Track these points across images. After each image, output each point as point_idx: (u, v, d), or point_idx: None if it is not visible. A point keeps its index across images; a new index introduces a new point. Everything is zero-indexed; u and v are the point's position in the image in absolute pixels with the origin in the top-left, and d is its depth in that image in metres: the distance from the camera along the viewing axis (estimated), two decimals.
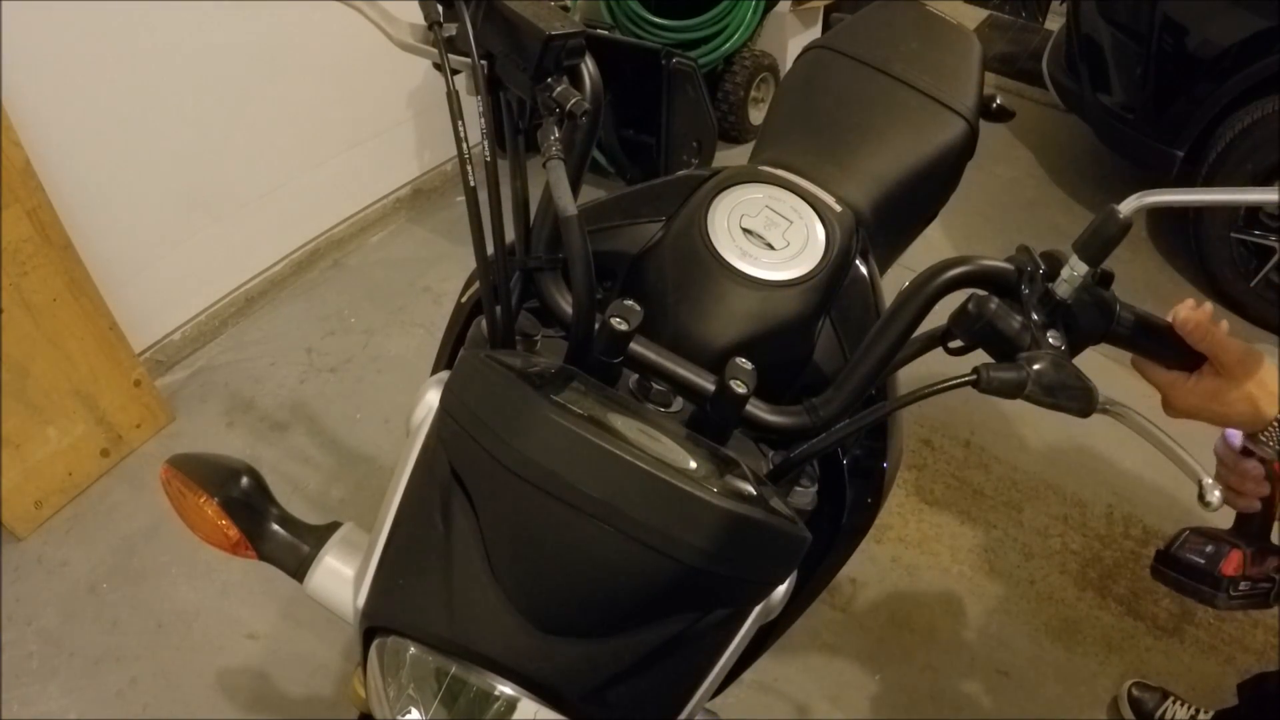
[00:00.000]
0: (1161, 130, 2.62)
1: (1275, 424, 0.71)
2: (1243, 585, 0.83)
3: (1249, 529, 0.84)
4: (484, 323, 0.75)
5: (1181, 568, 0.86)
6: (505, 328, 0.74)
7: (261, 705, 1.62)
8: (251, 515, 0.74)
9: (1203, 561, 0.84)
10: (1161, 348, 0.74)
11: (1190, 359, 0.74)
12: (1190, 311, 0.71)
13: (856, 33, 1.36)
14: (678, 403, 0.77)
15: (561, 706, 0.62)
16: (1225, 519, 0.84)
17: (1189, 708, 1.61)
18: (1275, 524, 0.84)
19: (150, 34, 1.90)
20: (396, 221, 2.80)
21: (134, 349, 2.01)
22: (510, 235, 0.77)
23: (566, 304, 0.77)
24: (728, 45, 2.97)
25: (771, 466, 0.75)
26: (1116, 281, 0.71)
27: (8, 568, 1.80)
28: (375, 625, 0.67)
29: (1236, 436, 0.78)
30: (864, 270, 0.94)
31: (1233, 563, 0.82)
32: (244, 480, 0.75)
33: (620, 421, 0.62)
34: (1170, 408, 0.77)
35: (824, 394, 0.75)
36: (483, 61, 0.74)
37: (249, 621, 1.73)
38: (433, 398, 0.72)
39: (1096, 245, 0.64)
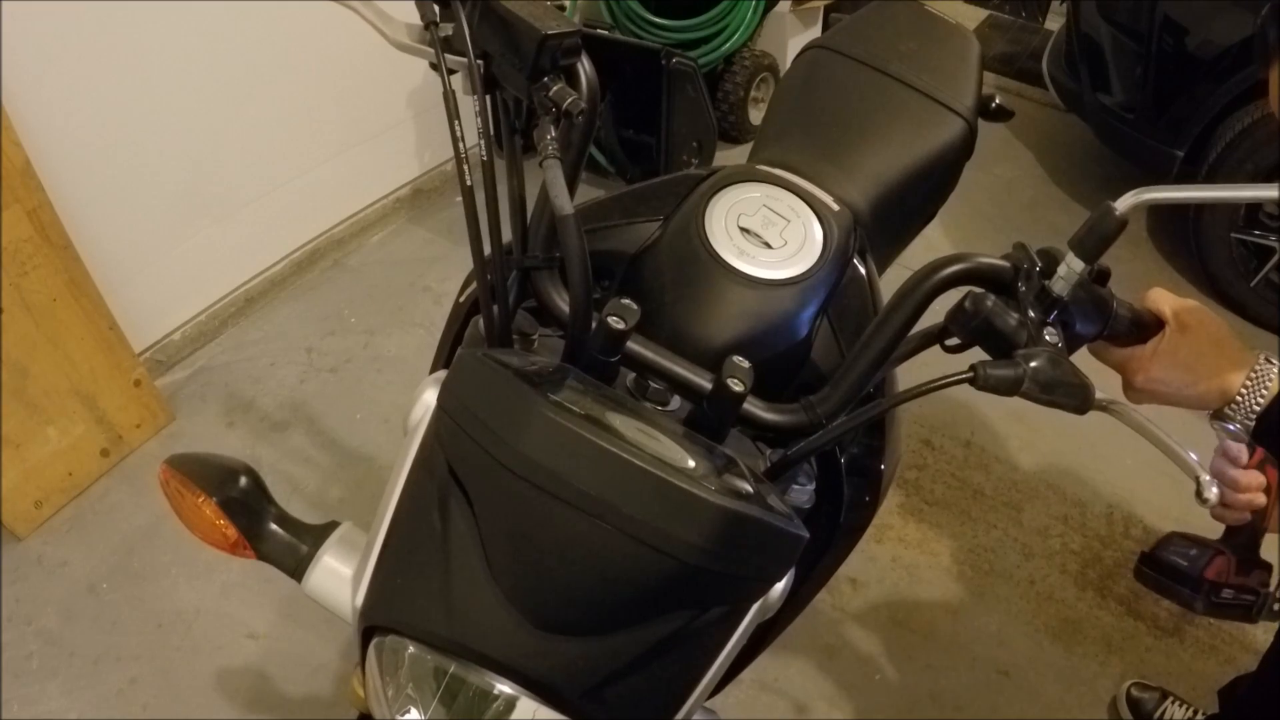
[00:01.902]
0: (1161, 130, 2.62)
1: (1239, 396, 0.70)
2: (1225, 593, 0.83)
3: (1237, 539, 0.84)
4: (481, 322, 0.75)
5: (1164, 569, 0.86)
6: (503, 327, 0.75)
7: (261, 705, 1.62)
8: (250, 515, 0.74)
9: (1185, 564, 0.84)
10: None
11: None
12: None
13: (855, 32, 1.36)
14: (675, 401, 0.77)
15: (560, 705, 0.62)
16: (1215, 530, 0.84)
17: (1188, 708, 1.61)
18: (1264, 539, 0.84)
19: (150, 34, 1.90)
20: (396, 221, 2.80)
21: (134, 349, 2.01)
22: (508, 235, 0.77)
23: (564, 303, 0.77)
24: (728, 45, 2.97)
25: (769, 464, 0.75)
26: (1115, 280, 0.72)
27: (8, 568, 1.80)
28: (374, 624, 0.67)
29: (1241, 454, 0.77)
30: (862, 269, 0.94)
31: (1216, 567, 0.82)
32: (242, 480, 0.75)
33: (618, 420, 0.62)
34: (1131, 388, 0.76)
35: (821, 392, 0.75)
36: (479, 61, 0.75)
37: (249, 621, 1.73)
38: (430, 397, 0.73)
39: (1093, 242, 0.64)
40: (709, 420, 0.72)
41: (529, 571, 0.59)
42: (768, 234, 0.87)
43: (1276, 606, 0.86)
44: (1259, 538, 0.84)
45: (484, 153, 0.71)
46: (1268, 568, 0.85)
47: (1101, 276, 0.70)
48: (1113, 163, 3.05)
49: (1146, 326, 0.74)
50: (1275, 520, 0.80)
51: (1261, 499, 0.76)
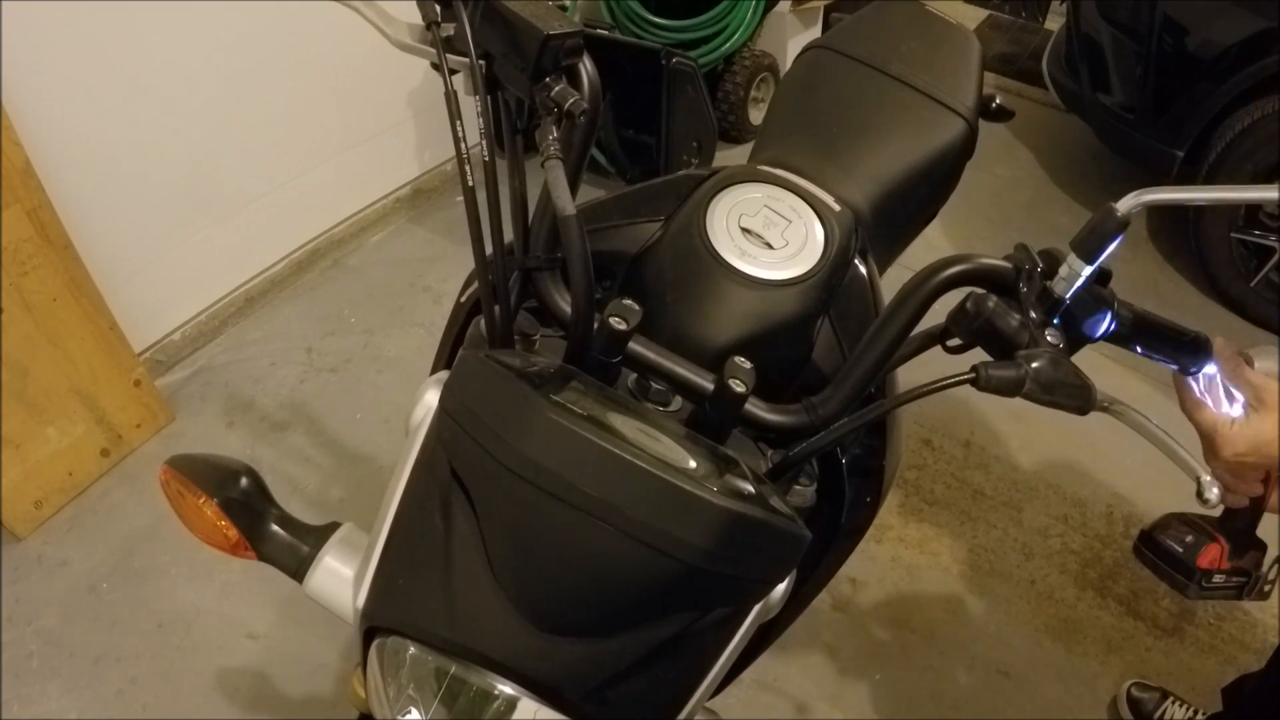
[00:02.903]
0: (1161, 130, 2.62)
1: None
2: (1216, 578, 0.84)
3: (1234, 524, 0.84)
4: (483, 322, 0.75)
5: (1160, 552, 0.87)
6: (504, 327, 0.74)
7: (261, 705, 1.62)
8: (251, 516, 0.74)
9: (1180, 550, 0.85)
10: (1159, 345, 0.74)
11: (1191, 356, 0.74)
12: (1222, 346, 0.73)
13: (856, 32, 1.36)
14: (677, 402, 0.77)
15: (561, 706, 0.62)
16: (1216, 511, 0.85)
17: (1188, 708, 1.61)
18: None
19: (150, 34, 1.90)
20: (396, 221, 2.80)
21: (134, 349, 2.01)
22: (509, 235, 0.77)
23: (565, 304, 0.76)
24: (728, 45, 2.97)
25: (770, 465, 0.75)
26: (1116, 280, 0.71)
27: (8, 568, 1.80)
28: (375, 625, 0.67)
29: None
30: (863, 270, 0.94)
31: (1209, 555, 0.83)
32: (243, 481, 0.75)
33: (619, 421, 0.62)
34: (1215, 456, 0.74)
35: (823, 393, 0.75)
36: (481, 61, 0.74)
37: (249, 621, 1.73)
38: (432, 398, 0.72)
39: (1094, 243, 0.64)
40: (711, 421, 0.72)
41: (531, 573, 0.59)
42: (769, 234, 0.87)
43: (1267, 588, 0.87)
44: (1257, 519, 0.84)
45: (485, 153, 0.71)
46: (1262, 548, 0.86)
47: (1103, 277, 0.70)
48: (1113, 163, 3.05)
49: (1154, 331, 0.73)
50: (1274, 502, 0.80)
51: (1259, 488, 0.77)
